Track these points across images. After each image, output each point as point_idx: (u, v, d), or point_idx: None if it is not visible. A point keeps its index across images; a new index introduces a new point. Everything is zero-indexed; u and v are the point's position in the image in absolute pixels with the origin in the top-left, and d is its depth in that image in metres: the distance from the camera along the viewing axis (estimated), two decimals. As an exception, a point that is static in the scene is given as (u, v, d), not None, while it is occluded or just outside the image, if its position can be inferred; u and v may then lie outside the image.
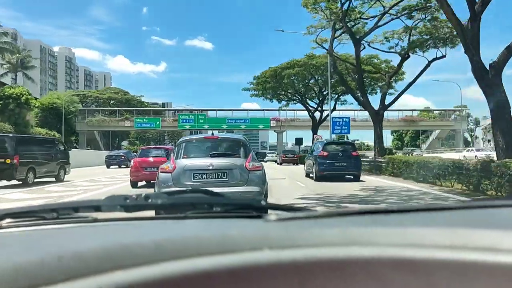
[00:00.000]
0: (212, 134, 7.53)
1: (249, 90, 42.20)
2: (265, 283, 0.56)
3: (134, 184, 13.38)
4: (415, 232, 0.61)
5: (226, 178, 6.54)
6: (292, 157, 39.05)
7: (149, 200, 0.90)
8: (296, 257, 0.58)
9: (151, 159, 13.45)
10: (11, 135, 17.28)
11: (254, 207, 0.91)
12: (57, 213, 0.92)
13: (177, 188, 5.05)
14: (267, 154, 54.43)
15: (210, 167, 6.56)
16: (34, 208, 0.96)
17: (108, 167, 30.47)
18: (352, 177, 15.18)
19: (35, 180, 15.04)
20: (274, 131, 62.58)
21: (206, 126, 61.12)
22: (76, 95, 72.36)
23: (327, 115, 40.37)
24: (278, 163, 39.28)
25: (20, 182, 14.43)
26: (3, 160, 13.67)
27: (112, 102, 67.95)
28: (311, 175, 16.04)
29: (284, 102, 47.24)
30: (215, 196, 1.02)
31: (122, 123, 59.43)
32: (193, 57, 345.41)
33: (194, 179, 6.51)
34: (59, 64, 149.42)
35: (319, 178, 14.73)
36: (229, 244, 0.60)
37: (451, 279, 0.55)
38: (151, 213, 0.93)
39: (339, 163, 14.90)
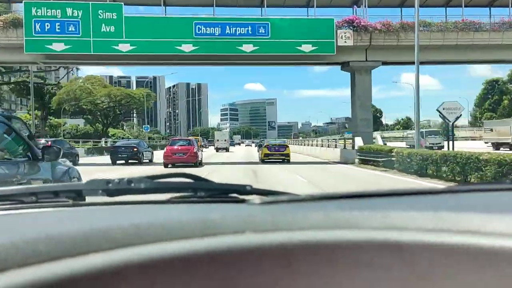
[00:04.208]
0: None
1: None
2: (247, 267, 0.56)
3: (165, 166, 18.84)
4: (399, 215, 0.62)
5: None
6: None
7: (132, 184, 0.89)
8: (279, 240, 0.58)
9: (178, 147, 19.40)
10: None
11: (238, 192, 0.91)
12: (36, 197, 0.92)
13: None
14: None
15: None
16: (12, 191, 0.96)
17: (113, 163, 22.45)
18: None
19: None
20: (347, 64, 20.40)
21: (124, 48, 18.26)
22: None
23: None
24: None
25: None
26: None
27: None
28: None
29: None
30: (199, 181, 1.00)
31: None
32: None
33: None
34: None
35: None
36: (210, 228, 0.60)
37: (436, 262, 0.56)
38: (134, 197, 0.92)
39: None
